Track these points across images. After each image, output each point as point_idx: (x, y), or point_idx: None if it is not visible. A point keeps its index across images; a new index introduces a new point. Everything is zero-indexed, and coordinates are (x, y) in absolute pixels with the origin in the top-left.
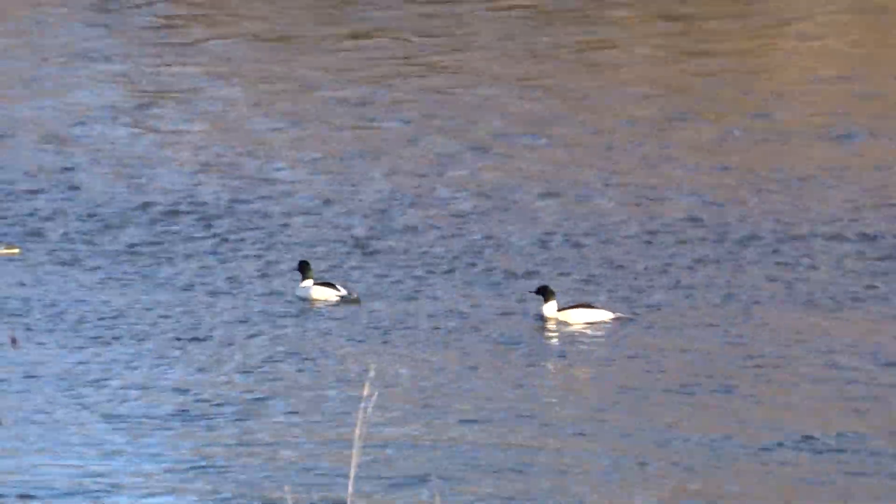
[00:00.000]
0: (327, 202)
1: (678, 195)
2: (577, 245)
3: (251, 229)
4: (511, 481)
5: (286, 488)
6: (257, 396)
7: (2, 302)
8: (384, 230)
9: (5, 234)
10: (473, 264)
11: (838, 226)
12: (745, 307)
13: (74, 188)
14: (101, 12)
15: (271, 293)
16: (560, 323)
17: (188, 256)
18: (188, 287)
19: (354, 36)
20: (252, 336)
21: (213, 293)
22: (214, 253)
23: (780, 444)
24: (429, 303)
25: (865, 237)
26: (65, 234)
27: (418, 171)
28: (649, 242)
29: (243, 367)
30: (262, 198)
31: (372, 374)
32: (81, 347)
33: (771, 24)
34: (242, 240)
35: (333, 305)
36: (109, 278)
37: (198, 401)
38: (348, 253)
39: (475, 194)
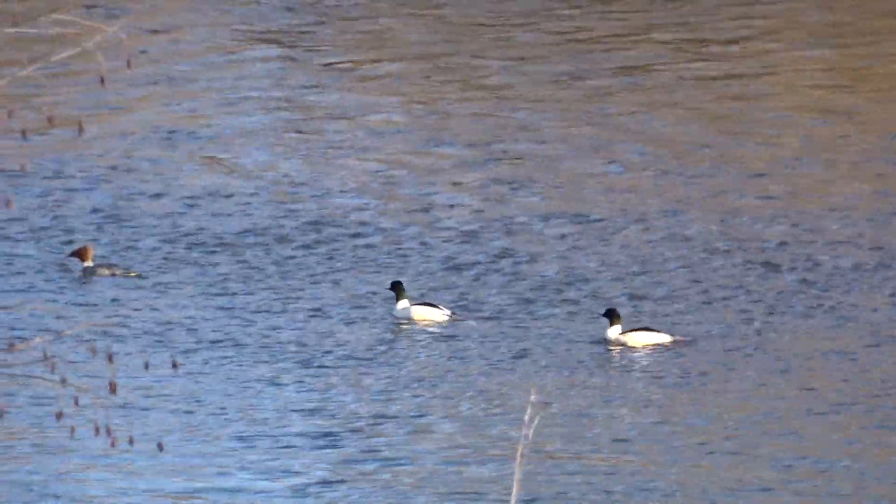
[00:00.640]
0: (485, 224)
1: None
2: (664, 270)
3: (404, 253)
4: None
5: None
6: (402, 416)
7: (136, 324)
8: (512, 251)
9: (135, 256)
10: (561, 291)
11: None
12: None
13: (223, 209)
14: (263, 41)
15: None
16: (622, 346)
17: (331, 277)
18: (321, 309)
19: (511, 58)
20: (390, 356)
21: (346, 316)
22: (349, 270)
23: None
24: (534, 325)
25: None
26: (209, 253)
27: (563, 193)
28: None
29: (379, 389)
30: (416, 223)
31: (533, 397)
32: (215, 370)
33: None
34: (388, 262)
35: (438, 326)
36: (243, 301)
37: (336, 421)
38: (486, 273)
39: (572, 221)
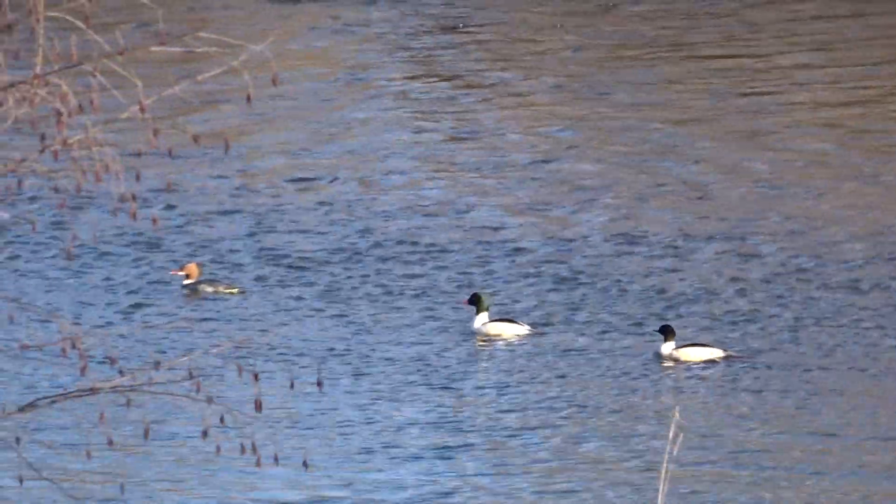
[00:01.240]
0: (631, 242)
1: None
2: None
3: (526, 273)
4: None
5: None
6: (521, 427)
7: (262, 341)
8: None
9: (247, 270)
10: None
11: None
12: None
13: (365, 227)
14: (411, 60)
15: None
16: (675, 361)
17: (446, 293)
18: (437, 323)
19: (664, 79)
20: (498, 369)
21: (464, 328)
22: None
23: None
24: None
25: None
26: (345, 269)
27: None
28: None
29: (497, 403)
30: (551, 238)
31: (677, 416)
32: (334, 384)
33: None
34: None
35: (517, 340)
36: (357, 316)
37: (452, 434)
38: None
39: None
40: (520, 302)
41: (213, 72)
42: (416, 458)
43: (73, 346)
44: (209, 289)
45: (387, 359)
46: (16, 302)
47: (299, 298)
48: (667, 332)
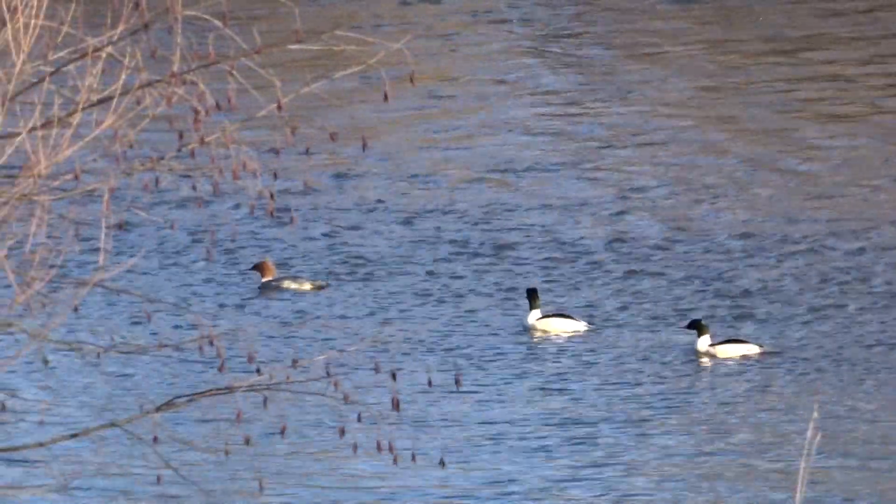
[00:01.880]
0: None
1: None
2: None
3: (660, 270)
4: None
5: None
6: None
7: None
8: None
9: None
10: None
11: None
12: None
13: (487, 222)
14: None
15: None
16: (711, 357)
17: (560, 289)
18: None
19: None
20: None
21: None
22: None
23: None
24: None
25: None
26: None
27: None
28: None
29: (625, 395)
30: (679, 235)
31: (816, 414)
32: (442, 379)
33: None
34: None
35: (571, 337)
36: (472, 311)
37: (556, 430)
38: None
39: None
40: (575, 297)
41: (349, 70)
42: (522, 452)
43: (211, 344)
44: (294, 285)
45: (488, 355)
46: (152, 301)
47: (389, 294)
48: (700, 328)
